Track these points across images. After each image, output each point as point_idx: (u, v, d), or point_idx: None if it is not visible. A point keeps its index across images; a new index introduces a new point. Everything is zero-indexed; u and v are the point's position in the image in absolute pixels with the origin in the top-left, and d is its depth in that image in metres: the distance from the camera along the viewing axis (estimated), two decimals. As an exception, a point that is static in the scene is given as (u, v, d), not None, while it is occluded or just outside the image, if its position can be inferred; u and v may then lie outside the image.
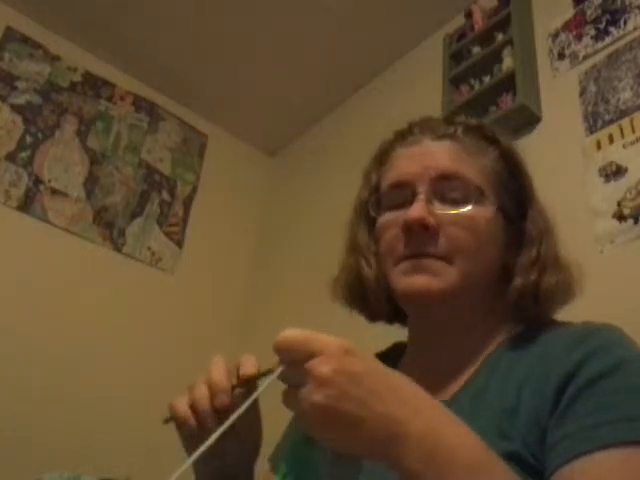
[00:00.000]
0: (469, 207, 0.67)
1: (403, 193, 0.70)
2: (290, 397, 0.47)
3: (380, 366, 0.49)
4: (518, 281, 0.67)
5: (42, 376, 2.16)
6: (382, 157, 0.78)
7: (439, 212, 0.67)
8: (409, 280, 0.66)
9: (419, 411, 0.47)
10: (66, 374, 2.22)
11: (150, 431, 2.31)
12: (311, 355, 0.46)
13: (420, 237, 0.66)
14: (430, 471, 0.45)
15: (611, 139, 1.58)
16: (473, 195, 0.68)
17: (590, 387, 0.54)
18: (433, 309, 0.68)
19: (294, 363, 0.47)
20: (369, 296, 0.74)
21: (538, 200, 0.74)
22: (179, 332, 2.57)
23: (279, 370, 0.47)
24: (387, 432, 0.45)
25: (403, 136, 0.77)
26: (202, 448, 0.44)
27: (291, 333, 0.48)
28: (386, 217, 0.71)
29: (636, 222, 1.44)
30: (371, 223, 0.76)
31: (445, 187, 0.68)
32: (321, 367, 0.45)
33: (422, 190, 0.68)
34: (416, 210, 0.66)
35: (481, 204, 0.68)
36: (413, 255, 0.66)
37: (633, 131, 1.54)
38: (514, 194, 0.72)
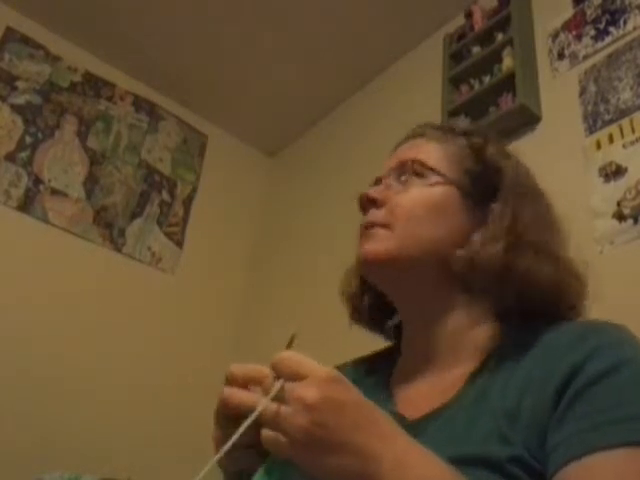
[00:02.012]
0: (411, 180, 0.72)
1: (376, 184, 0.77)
2: (274, 418, 0.48)
3: (361, 397, 0.50)
4: (465, 250, 0.68)
5: (42, 376, 2.16)
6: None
7: (392, 190, 0.73)
8: (359, 250, 0.72)
9: (392, 444, 0.49)
10: (66, 374, 2.22)
11: (150, 431, 2.32)
12: (300, 377, 0.48)
13: (366, 209, 0.73)
14: None
15: (611, 139, 1.58)
16: (418, 171, 0.72)
17: (589, 388, 0.54)
18: (386, 276, 0.72)
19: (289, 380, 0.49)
20: (357, 299, 0.79)
21: (535, 194, 0.74)
22: (179, 332, 2.57)
23: (280, 382, 0.49)
24: (362, 462, 0.47)
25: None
26: (216, 457, 0.47)
27: (289, 355, 0.50)
28: None
29: (636, 222, 1.44)
30: None
31: (400, 171, 0.74)
32: (309, 391, 0.47)
33: (384, 178, 0.75)
34: (368, 191, 0.74)
35: (425, 178, 0.72)
36: (364, 226, 0.72)
37: (633, 131, 1.54)
38: (480, 179, 0.73)
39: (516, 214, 0.69)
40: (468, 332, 0.69)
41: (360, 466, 0.47)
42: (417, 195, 0.71)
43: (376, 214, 0.71)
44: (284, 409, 0.47)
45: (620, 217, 1.48)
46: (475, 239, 0.68)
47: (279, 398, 0.48)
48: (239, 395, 0.51)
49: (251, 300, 2.81)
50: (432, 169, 0.72)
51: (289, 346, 0.55)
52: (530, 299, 0.66)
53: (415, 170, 0.72)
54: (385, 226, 0.70)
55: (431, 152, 0.74)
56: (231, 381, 0.53)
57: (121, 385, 2.32)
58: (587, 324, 0.62)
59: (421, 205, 0.70)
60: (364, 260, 0.71)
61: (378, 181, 0.77)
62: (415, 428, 0.57)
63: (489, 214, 0.71)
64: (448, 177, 0.72)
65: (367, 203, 0.73)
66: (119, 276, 2.50)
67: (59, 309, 2.30)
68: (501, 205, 0.71)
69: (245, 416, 0.48)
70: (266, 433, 0.48)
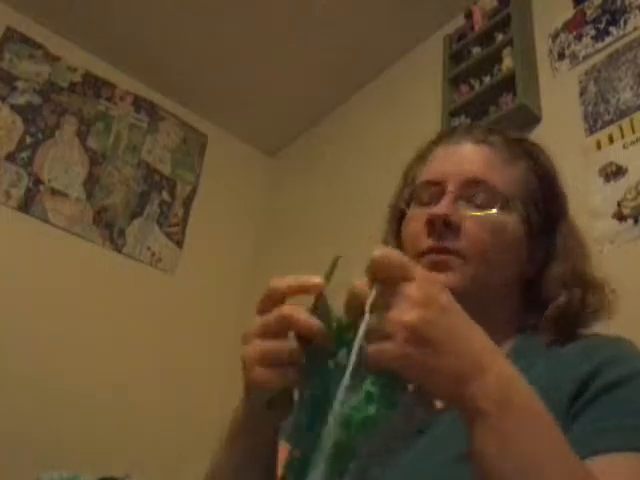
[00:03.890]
0: (492, 211, 0.69)
1: (433, 191, 0.72)
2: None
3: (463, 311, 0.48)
4: (562, 298, 0.67)
5: (42, 376, 2.15)
6: (423, 155, 0.81)
7: (463, 212, 0.69)
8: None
9: (497, 357, 0.46)
10: (66, 374, 2.22)
11: (150, 431, 2.32)
12: (407, 279, 0.44)
13: (441, 233, 0.68)
14: (504, 414, 0.43)
15: (611, 139, 1.58)
16: (498, 201, 0.70)
17: (605, 394, 0.55)
18: None
19: (388, 284, 0.44)
20: None
21: (569, 218, 0.76)
22: (179, 332, 2.57)
23: (375, 289, 0.44)
24: (467, 368, 0.43)
25: (447, 136, 0.80)
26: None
27: (391, 253, 0.45)
28: (413, 211, 0.74)
29: (636, 222, 1.44)
30: (400, 224, 0.77)
31: (473, 192, 0.70)
32: (419, 290, 0.43)
33: (451, 190, 0.70)
34: (441, 207, 0.69)
35: (505, 211, 0.70)
36: (432, 249, 0.68)
37: (633, 131, 1.54)
38: (543, 208, 0.73)
39: (574, 249, 0.72)
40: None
41: (465, 367, 0.43)
42: (495, 229, 0.68)
43: (452, 241, 0.68)
44: (390, 313, 0.43)
45: (620, 217, 1.48)
46: (556, 281, 0.69)
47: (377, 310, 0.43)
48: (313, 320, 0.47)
49: (251, 300, 2.78)
50: (509, 201, 0.70)
51: (330, 273, 0.50)
52: (580, 326, 0.67)
53: (495, 201, 0.69)
54: (460, 256, 0.67)
55: (505, 178, 0.71)
56: (270, 297, 0.50)
57: (121, 385, 2.32)
58: (599, 338, 0.64)
59: (497, 241, 0.68)
60: None
61: (434, 184, 0.72)
62: (439, 418, 0.60)
63: (553, 250, 0.71)
64: (523, 212, 0.71)
65: (441, 224, 0.68)
66: (119, 276, 2.50)
67: (59, 309, 2.30)
68: (563, 241, 0.72)
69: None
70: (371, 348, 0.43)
